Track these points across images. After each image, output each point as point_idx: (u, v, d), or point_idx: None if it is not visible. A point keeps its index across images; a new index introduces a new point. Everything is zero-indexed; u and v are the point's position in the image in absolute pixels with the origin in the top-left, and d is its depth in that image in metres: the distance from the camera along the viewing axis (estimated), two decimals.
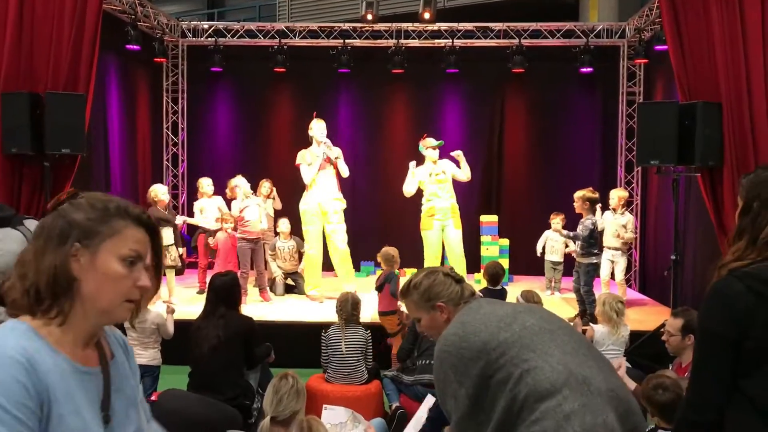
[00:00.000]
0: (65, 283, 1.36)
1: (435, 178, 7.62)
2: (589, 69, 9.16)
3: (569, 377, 2.01)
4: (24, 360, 1.27)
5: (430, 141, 7.72)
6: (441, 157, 7.77)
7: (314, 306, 7.50)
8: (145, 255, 1.45)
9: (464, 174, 7.70)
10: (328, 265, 8.01)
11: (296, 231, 8.09)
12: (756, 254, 1.93)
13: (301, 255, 8.14)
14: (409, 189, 7.73)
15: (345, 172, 7.73)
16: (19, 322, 1.36)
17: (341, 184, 7.85)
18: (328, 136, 7.71)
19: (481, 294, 2.58)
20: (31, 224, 3.87)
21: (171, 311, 5.02)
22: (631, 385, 3.87)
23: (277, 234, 8.28)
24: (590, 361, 2.11)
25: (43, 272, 1.36)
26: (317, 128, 7.67)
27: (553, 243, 8.27)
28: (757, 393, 1.88)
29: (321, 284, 7.87)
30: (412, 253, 8.43)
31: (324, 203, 7.59)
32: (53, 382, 1.30)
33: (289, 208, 8.62)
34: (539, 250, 8.38)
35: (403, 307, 6.04)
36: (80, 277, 1.37)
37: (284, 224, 8.16)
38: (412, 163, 7.74)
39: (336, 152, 7.70)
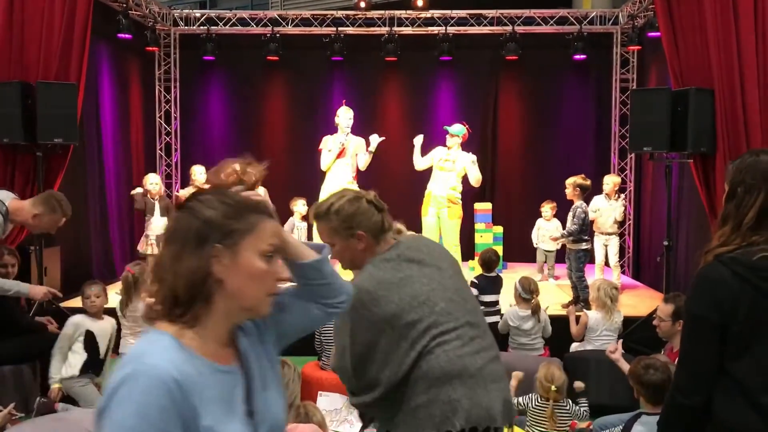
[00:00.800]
0: (207, 285, 1.33)
1: (441, 164, 7.58)
2: (582, 56, 9.16)
3: (462, 370, 2.12)
4: (171, 381, 1.24)
5: (452, 128, 7.62)
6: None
7: None
8: (279, 247, 1.43)
9: (474, 178, 7.66)
10: None
11: None
12: (741, 239, 1.94)
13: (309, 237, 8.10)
14: (416, 163, 7.71)
15: (361, 165, 7.68)
16: (160, 333, 1.33)
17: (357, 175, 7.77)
18: (332, 127, 7.66)
19: (401, 228, 2.52)
20: (1, 194, 3.90)
21: None
22: (626, 368, 3.91)
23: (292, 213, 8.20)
24: (486, 352, 2.23)
25: (182, 276, 1.32)
26: (343, 116, 7.66)
27: (544, 232, 8.32)
28: (744, 376, 1.91)
29: None
30: None
31: (334, 191, 7.53)
32: (199, 395, 1.28)
33: (278, 196, 8.58)
34: (535, 240, 8.44)
35: None
36: (223, 278, 1.34)
37: (302, 205, 8.07)
38: (418, 139, 7.69)
39: (358, 146, 7.60)
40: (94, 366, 4.65)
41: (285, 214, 8.18)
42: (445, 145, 7.66)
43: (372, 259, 2.31)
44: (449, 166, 7.57)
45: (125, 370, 1.25)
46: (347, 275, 2.32)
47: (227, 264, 1.34)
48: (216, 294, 1.34)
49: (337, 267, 2.10)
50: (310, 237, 8.01)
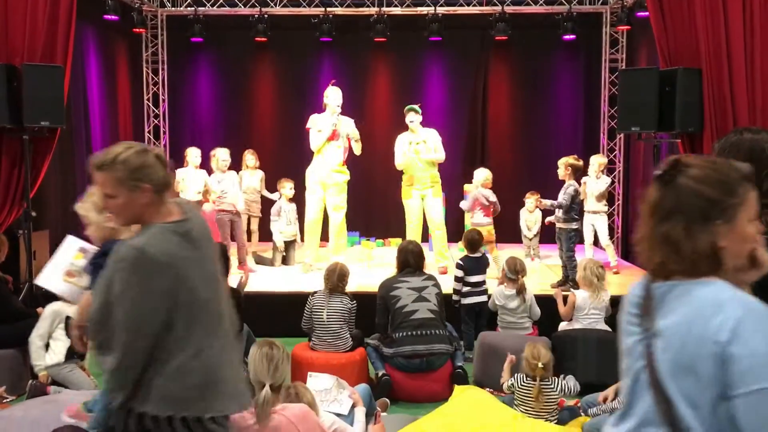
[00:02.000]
0: (716, 253, 1.54)
1: (414, 147, 7.56)
2: (572, 36, 9.14)
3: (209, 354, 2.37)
4: None
5: (409, 111, 7.61)
6: (428, 126, 7.74)
7: (299, 276, 7.50)
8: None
9: (437, 156, 7.56)
10: (324, 235, 8.00)
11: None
12: None
13: (300, 219, 8.07)
14: (397, 161, 7.68)
15: (357, 151, 7.61)
16: (719, 282, 1.53)
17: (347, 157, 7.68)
18: (321, 108, 7.59)
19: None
20: None
21: None
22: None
23: (280, 196, 8.17)
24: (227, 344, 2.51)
25: (701, 250, 1.53)
26: (332, 96, 7.49)
27: (527, 222, 8.60)
28: None
29: (316, 252, 7.80)
30: (396, 222, 8.46)
31: (324, 174, 7.50)
32: None
33: (266, 178, 8.58)
34: (524, 229, 8.64)
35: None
36: (726, 245, 1.55)
37: (289, 188, 8.04)
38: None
39: (351, 130, 7.52)
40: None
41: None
42: (410, 128, 7.57)
43: (158, 224, 2.31)
44: (423, 147, 7.53)
45: (743, 308, 1.45)
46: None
47: (727, 234, 1.55)
48: (723, 258, 1.56)
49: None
50: (300, 222, 8.01)
